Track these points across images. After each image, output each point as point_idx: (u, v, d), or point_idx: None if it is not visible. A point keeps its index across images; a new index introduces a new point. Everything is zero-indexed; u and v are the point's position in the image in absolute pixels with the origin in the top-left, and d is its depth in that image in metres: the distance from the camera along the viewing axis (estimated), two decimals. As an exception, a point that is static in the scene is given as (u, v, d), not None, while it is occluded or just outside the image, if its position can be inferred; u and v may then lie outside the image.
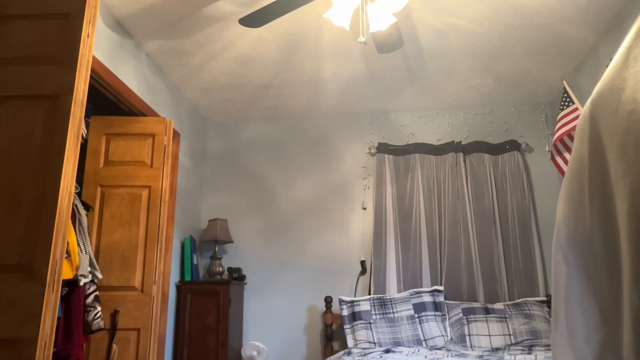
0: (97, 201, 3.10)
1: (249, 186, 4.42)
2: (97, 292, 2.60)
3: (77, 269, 2.38)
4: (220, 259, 4.04)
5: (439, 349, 3.31)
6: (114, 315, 2.90)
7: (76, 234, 2.46)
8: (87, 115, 3.21)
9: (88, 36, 1.92)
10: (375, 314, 3.59)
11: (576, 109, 3.21)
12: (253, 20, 2.60)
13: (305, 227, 4.26)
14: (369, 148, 4.34)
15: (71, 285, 2.40)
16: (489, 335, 3.37)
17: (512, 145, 4.11)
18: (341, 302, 3.74)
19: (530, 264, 3.83)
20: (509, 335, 3.36)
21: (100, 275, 2.62)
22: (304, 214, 4.29)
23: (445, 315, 3.62)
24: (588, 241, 0.67)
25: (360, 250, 4.15)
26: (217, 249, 4.04)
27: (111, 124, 3.24)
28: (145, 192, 3.15)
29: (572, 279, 0.71)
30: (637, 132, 0.57)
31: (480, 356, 2.93)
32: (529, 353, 2.95)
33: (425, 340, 3.43)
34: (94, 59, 2.73)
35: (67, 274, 2.28)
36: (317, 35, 3.21)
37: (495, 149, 4.15)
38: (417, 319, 3.54)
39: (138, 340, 2.91)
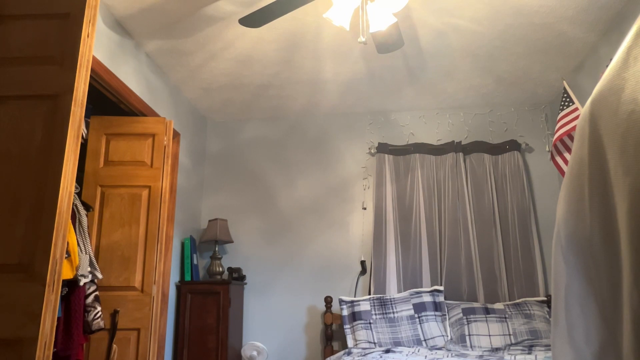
0: (97, 201, 3.10)
1: (249, 186, 4.42)
2: (97, 292, 2.61)
3: (77, 269, 2.38)
4: (220, 259, 4.04)
5: (439, 349, 3.31)
6: (114, 315, 2.90)
7: (76, 234, 2.46)
8: (87, 115, 3.21)
9: (88, 36, 1.92)
10: (375, 314, 3.59)
11: (576, 109, 3.22)
12: (253, 20, 2.60)
13: (305, 227, 4.26)
14: (369, 148, 4.34)
15: (71, 285, 2.40)
16: (489, 335, 3.37)
17: (512, 145, 4.11)
18: (341, 302, 3.74)
19: (530, 264, 3.83)
20: (509, 335, 3.36)
21: (100, 275, 2.62)
22: (304, 214, 4.29)
23: (445, 315, 3.62)
24: (588, 241, 0.67)
25: (360, 250, 4.15)
26: (217, 249, 4.04)
27: (111, 124, 3.24)
28: (145, 192, 3.15)
29: (572, 279, 0.71)
30: (637, 132, 0.57)
31: (480, 356, 2.93)
32: (529, 353, 2.95)
33: (425, 340, 3.43)
34: (94, 59, 2.73)
35: (67, 274, 2.28)
36: (317, 35, 3.21)
37: (495, 149, 4.15)
38: (417, 319, 3.54)
39: (138, 340, 2.91)
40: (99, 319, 2.55)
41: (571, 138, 3.28)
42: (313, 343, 4.01)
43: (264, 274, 4.19)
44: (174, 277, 3.74)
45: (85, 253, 2.50)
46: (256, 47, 3.35)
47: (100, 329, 2.57)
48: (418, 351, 3.11)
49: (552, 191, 4.07)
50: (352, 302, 3.71)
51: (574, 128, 3.18)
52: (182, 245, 3.91)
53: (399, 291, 3.88)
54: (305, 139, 4.48)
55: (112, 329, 2.87)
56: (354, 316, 3.61)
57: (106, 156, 3.19)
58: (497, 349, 3.24)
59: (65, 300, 2.39)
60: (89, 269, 2.50)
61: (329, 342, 3.82)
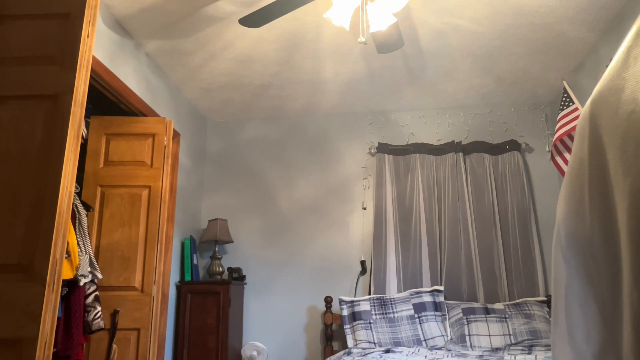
0: (97, 201, 3.10)
1: (249, 186, 4.42)
2: (97, 292, 2.61)
3: (77, 269, 2.38)
4: (220, 259, 4.04)
5: (439, 349, 3.31)
6: (114, 315, 2.90)
7: (76, 234, 2.46)
8: (87, 115, 3.21)
9: (88, 36, 1.92)
10: (375, 314, 3.59)
11: (576, 109, 3.22)
12: (253, 20, 2.60)
13: (305, 227, 4.26)
14: (369, 148, 4.34)
15: (71, 285, 2.40)
16: (489, 335, 3.37)
17: (512, 145, 4.11)
18: (341, 302, 3.74)
19: (530, 264, 3.83)
20: (509, 335, 3.36)
21: (100, 275, 2.62)
22: (304, 214, 4.29)
23: (445, 315, 3.62)
24: (588, 241, 0.67)
25: (360, 250, 4.15)
26: (217, 249, 4.04)
27: (111, 124, 3.24)
28: (145, 192, 3.15)
29: (572, 279, 0.71)
30: (637, 132, 0.57)
31: (480, 356, 2.93)
32: (529, 353, 2.95)
33: (425, 340, 3.43)
34: (94, 59, 2.73)
35: (67, 274, 2.28)
36: (317, 35, 3.21)
37: (495, 149, 4.15)
38: (417, 319, 3.54)
39: (138, 340, 2.91)
40: (99, 319, 2.55)
41: (571, 138, 3.28)
42: (313, 343, 4.01)
43: (264, 274, 4.19)
44: (174, 277, 3.74)
45: (85, 253, 2.50)
46: (256, 47, 3.35)
47: (100, 329, 2.57)
48: (418, 351, 3.11)
49: (552, 191, 4.07)
50: (352, 302, 3.71)
51: (574, 128, 3.18)
52: (182, 245, 3.91)
53: (399, 291, 3.88)
54: (305, 139, 4.48)
55: (112, 329, 2.87)
56: (354, 316, 3.61)
57: (106, 156, 3.19)
58: (497, 349, 3.24)
59: (65, 300, 2.39)
60: (89, 269, 2.50)
61: (329, 342, 3.82)
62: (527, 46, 3.36)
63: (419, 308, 3.60)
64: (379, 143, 4.27)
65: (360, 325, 3.54)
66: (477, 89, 4.02)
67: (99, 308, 2.57)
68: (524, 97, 4.16)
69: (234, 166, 4.49)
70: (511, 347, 3.21)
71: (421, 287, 3.87)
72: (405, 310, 3.59)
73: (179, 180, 3.86)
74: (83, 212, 2.59)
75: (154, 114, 3.47)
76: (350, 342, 3.52)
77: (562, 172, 3.39)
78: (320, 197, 4.31)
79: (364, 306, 3.65)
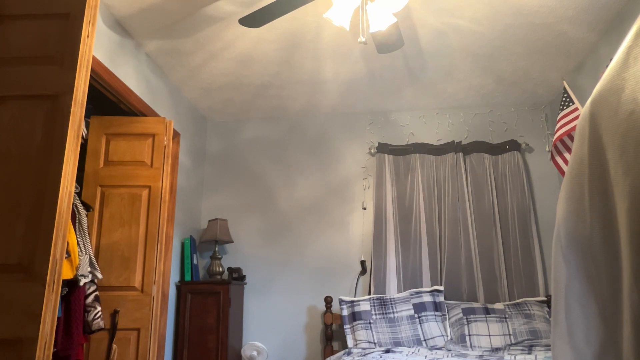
0: (97, 201, 3.10)
1: (249, 186, 4.42)
2: (97, 292, 2.61)
3: (77, 269, 2.38)
4: (220, 259, 4.04)
5: (439, 349, 3.31)
6: (114, 315, 2.90)
7: (76, 234, 2.46)
8: (87, 115, 3.21)
9: (88, 36, 1.92)
10: (375, 314, 3.59)
11: (576, 109, 3.22)
12: (253, 20, 2.60)
13: (305, 227, 4.26)
14: (369, 148, 4.34)
15: (71, 285, 2.41)
16: (489, 335, 3.37)
17: (512, 145, 4.11)
18: (341, 302, 3.74)
19: (530, 264, 3.83)
20: (509, 335, 3.36)
21: (100, 275, 2.62)
22: (304, 214, 4.29)
23: (445, 315, 3.62)
24: (588, 241, 0.67)
25: (360, 250, 4.15)
26: (217, 249, 4.04)
27: (111, 124, 3.24)
28: (145, 192, 3.15)
29: (572, 279, 0.71)
30: (637, 132, 0.57)
31: (480, 356, 2.93)
32: (529, 353, 2.95)
33: (425, 340, 3.43)
34: (94, 59, 2.73)
35: (67, 274, 2.28)
36: (317, 35, 3.21)
37: (495, 149, 4.15)
38: (417, 319, 3.54)
39: (138, 340, 2.91)
40: (99, 319, 2.55)
41: (571, 138, 3.28)
42: (313, 343, 4.01)
43: (264, 274, 4.19)
44: (174, 277, 3.74)
45: (85, 253, 2.50)
46: (256, 47, 3.35)
47: (100, 329, 2.57)
48: (418, 351, 3.11)
49: (552, 191, 4.07)
50: (352, 302, 3.71)
51: (574, 128, 3.18)
52: (182, 245, 3.91)
53: (399, 291, 3.88)
54: (305, 139, 4.48)
55: (112, 329, 2.87)
56: (354, 316, 3.61)
57: (106, 156, 3.19)
58: (497, 349, 3.24)
59: (65, 300, 2.39)
60: (89, 269, 2.50)
61: (329, 342, 3.82)
62: (527, 46, 3.36)
63: (419, 308, 3.60)
64: (379, 143, 4.27)
65: (360, 325, 3.54)
66: (477, 89, 4.02)
67: (99, 308, 2.57)
68: (524, 97, 4.16)
69: (234, 166, 4.50)
70: (511, 347, 3.21)
71: (421, 287, 3.87)
72: (405, 310, 3.59)
73: (179, 180, 3.86)
74: (83, 212, 2.59)
75: (154, 114, 3.47)
76: (350, 342, 3.52)
77: (562, 172, 3.39)
78: (320, 197, 4.31)
79: (364, 306, 3.65)
